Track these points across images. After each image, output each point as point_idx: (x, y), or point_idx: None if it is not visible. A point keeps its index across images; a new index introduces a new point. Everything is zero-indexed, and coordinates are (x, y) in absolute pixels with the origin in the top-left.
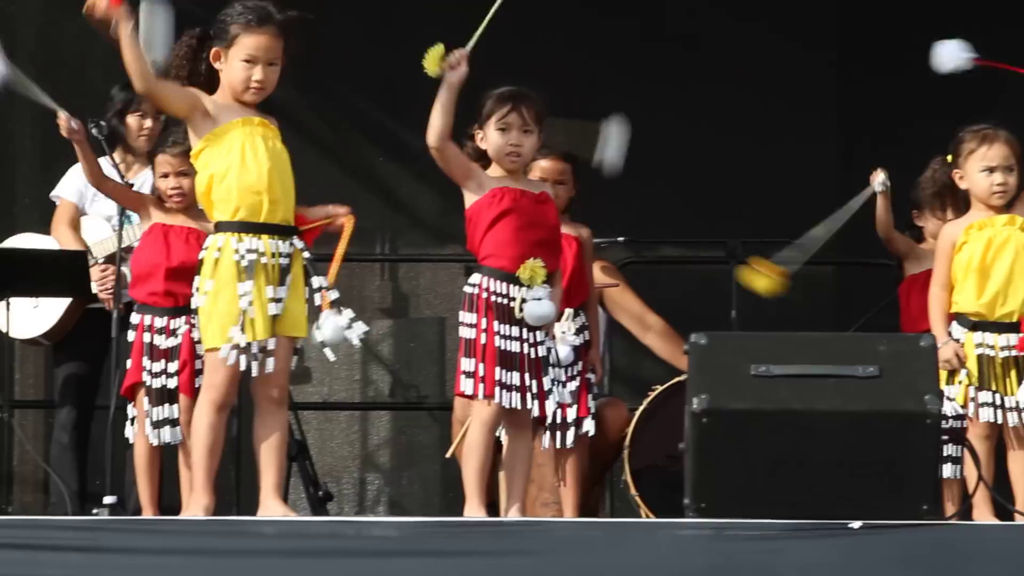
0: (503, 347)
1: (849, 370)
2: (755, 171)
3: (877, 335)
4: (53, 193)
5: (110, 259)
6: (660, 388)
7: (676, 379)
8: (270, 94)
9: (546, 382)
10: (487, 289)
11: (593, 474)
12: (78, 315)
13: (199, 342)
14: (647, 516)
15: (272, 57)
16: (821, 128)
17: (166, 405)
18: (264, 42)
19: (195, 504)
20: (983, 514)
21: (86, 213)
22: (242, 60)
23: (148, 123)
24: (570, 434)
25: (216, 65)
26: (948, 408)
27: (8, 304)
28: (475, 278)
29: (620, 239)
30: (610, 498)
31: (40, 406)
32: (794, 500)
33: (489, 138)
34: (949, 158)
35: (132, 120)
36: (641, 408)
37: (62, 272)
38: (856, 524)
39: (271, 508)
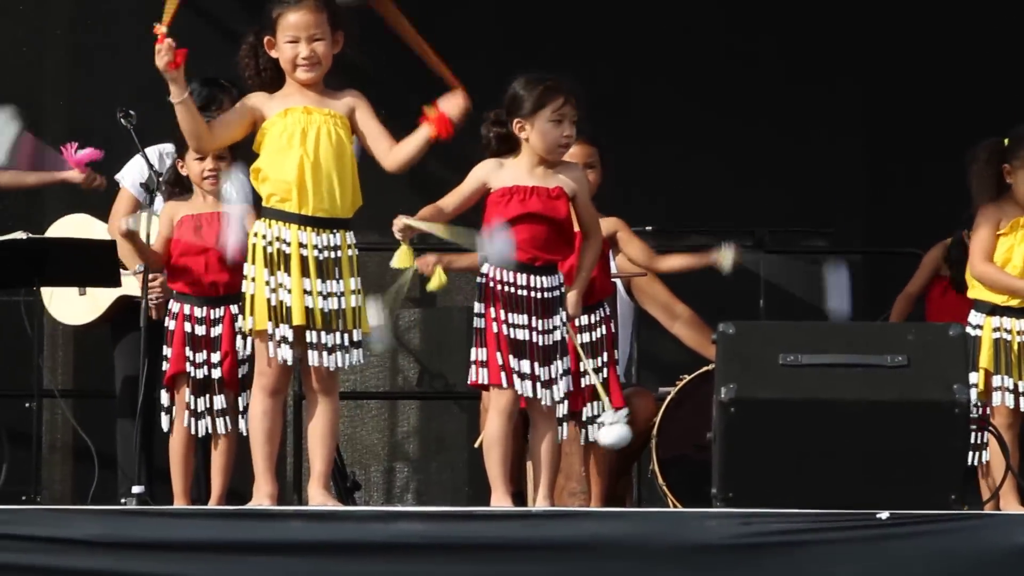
0: (513, 335)
1: (877, 359)
2: (783, 160)
3: (905, 324)
4: (117, 176)
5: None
6: (688, 377)
7: (704, 368)
8: (327, 69)
9: (556, 368)
10: (494, 279)
11: (621, 464)
12: (128, 304)
13: (239, 332)
14: (674, 505)
15: (315, 32)
16: (848, 117)
17: (206, 395)
18: (303, 18)
19: (259, 493)
20: (1010, 503)
21: (148, 207)
22: (287, 41)
23: None
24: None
25: (272, 54)
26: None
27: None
28: (485, 268)
29: (648, 228)
30: (637, 487)
31: (67, 396)
32: (821, 490)
33: (539, 129)
34: (1007, 141)
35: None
36: (669, 397)
37: (90, 262)
38: (884, 514)
39: (313, 497)
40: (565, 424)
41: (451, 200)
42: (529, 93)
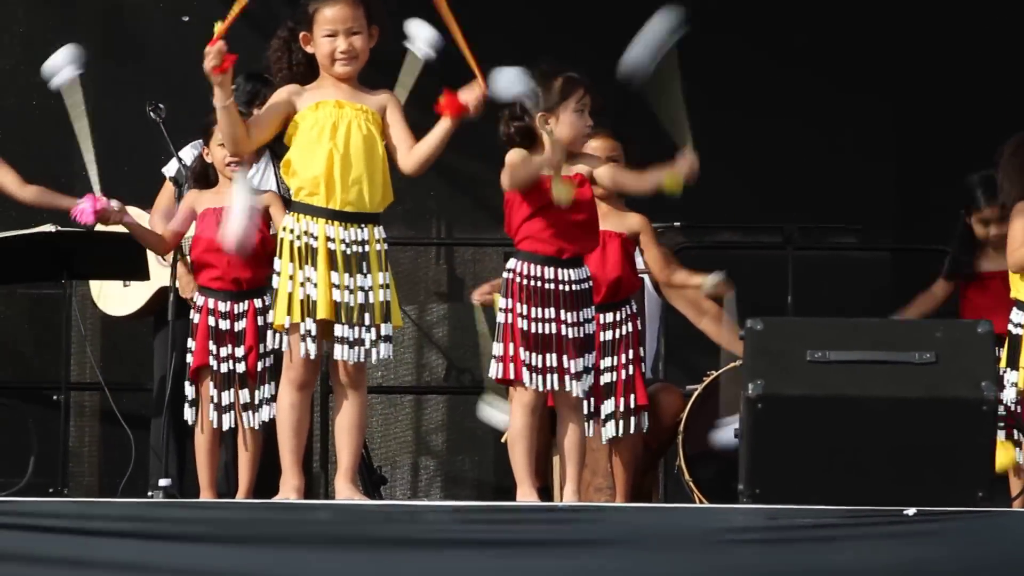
0: (535, 330)
1: (905, 356)
2: (812, 156)
3: (933, 321)
4: (164, 168)
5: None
6: (715, 373)
7: (731, 364)
8: (364, 62)
9: (585, 361)
10: (521, 273)
11: (647, 460)
12: (167, 296)
13: (263, 326)
14: (701, 502)
15: (352, 25)
16: (878, 113)
17: (230, 390)
18: (341, 12)
19: (286, 486)
20: None
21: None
22: (325, 36)
23: None
24: (626, 423)
25: (308, 49)
26: (1007, 395)
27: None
28: (511, 263)
29: (676, 224)
30: (664, 483)
31: (88, 388)
32: (849, 486)
33: (565, 121)
34: None
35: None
36: (696, 393)
37: (118, 255)
38: (911, 511)
39: (340, 490)
40: (591, 422)
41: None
42: (549, 86)
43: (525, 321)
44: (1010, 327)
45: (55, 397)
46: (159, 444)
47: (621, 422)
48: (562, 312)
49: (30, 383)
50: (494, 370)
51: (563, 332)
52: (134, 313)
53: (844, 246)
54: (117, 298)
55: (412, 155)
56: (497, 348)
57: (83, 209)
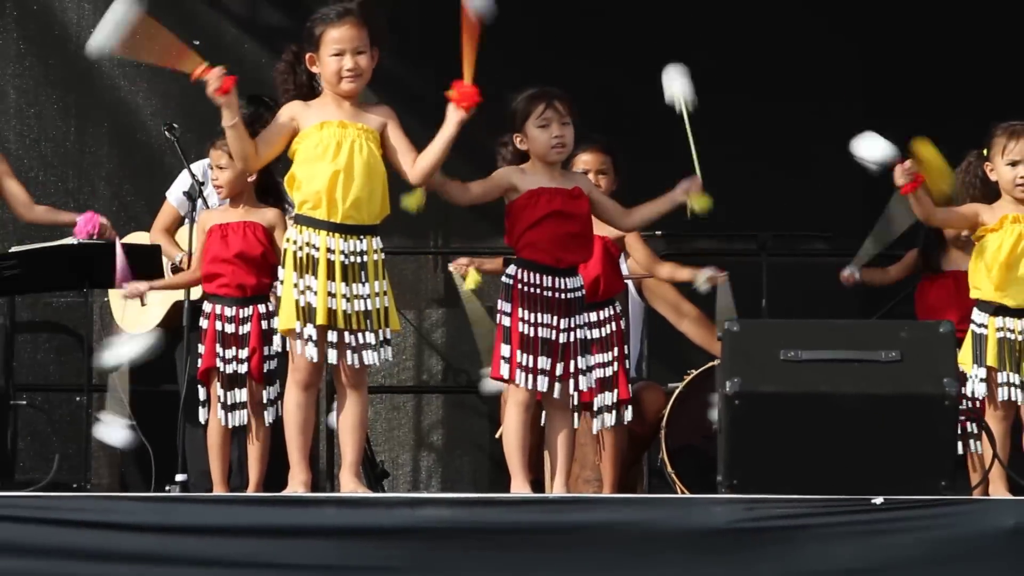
0: (531, 333)
1: (872, 355)
2: (784, 168)
3: (899, 322)
4: (167, 191)
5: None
6: (695, 372)
7: (710, 363)
8: (367, 81)
9: (580, 364)
10: (520, 280)
11: (632, 454)
12: (182, 308)
13: (267, 330)
14: (682, 492)
15: (358, 45)
16: (849, 121)
17: (236, 389)
18: (348, 32)
19: (294, 480)
20: (998, 490)
21: (192, 219)
22: (332, 55)
23: None
24: (609, 416)
25: (313, 69)
26: (977, 389)
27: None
28: (511, 269)
29: (657, 232)
30: (648, 475)
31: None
32: (820, 477)
33: (531, 137)
34: (985, 151)
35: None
36: (677, 391)
37: (135, 264)
38: (878, 500)
39: (345, 484)
40: (578, 415)
41: (477, 184)
42: (517, 107)
43: (523, 324)
44: (972, 327)
45: (78, 399)
46: (193, 444)
47: (604, 416)
48: (554, 318)
49: (54, 386)
50: (498, 369)
51: (553, 337)
52: (153, 330)
53: (815, 252)
54: (136, 318)
55: (418, 167)
56: (502, 349)
57: (80, 226)
